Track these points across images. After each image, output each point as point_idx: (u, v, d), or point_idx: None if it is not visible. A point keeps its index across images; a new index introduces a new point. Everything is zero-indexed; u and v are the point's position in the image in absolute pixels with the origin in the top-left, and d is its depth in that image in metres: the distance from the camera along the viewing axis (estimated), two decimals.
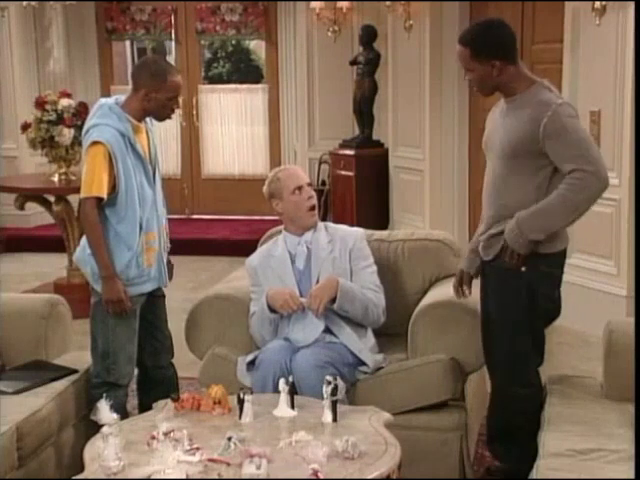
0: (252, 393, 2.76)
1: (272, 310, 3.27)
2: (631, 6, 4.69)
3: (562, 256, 3.05)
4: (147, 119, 3.29)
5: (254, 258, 3.51)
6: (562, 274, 3.09)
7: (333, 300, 3.23)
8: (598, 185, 2.85)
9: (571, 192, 2.83)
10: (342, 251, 3.38)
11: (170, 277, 3.45)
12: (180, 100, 3.22)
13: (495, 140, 3.02)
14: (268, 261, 3.43)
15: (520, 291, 2.97)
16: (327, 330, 3.26)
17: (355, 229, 3.54)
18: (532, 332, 3.04)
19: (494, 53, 2.92)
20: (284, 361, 3.09)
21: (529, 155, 2.90)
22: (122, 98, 3.24)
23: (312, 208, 3.42)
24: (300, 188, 3.39)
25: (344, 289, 3.25)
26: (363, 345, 3.27)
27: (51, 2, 7.63)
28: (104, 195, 3.11)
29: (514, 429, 3.08)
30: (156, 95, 3.16)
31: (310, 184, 3.47)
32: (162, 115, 3.26)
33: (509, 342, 3.04)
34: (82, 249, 3.26)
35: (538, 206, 2.87)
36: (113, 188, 3.12)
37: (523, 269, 2.94)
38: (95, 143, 3.10)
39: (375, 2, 7.15)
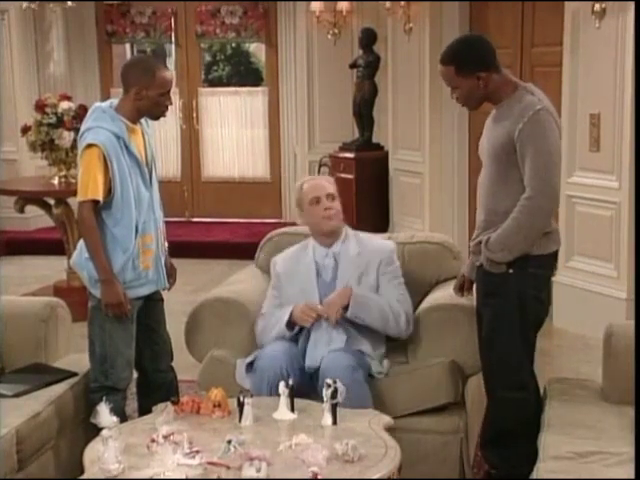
0: (252, 396, 2.76)
1: (290, 326, 3.26)
2: (631, 9, 4.69)
3: (552, 258, 3.06)
4: (143, 121, 3.28)
5: (280, 261, 3.49)
6: (551, 275, 3.12)
7: (347, 308, 3.23)
8: (547, 204, 2.92)
9: (523, 215, 2.91)
10: (370, 265, 3.35)
11: (174, 281, 3.45)
12: (177, 99, 3.21)
13: (484, 146, 3.08)
14: (294, 268, 3.42)
15: (508, 293, 2.98)
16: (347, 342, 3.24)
17: (387, 243, 3.49)
18: (522, 334, 3.04)
19: (478, 65, 2.95)
20: (279, 366, 3.07)
21: (512, 160, 2.93)
22: (116, 102, 3.23)
23: (327, 217, 3.38)
24: (318, 200, 3.38)
25: (357, 296, 3.24)
26: (375, 357, 3.25)
27: (51, 5, 7.63)
28: (100, 197, 3.10)
29: (507, 433, 3.08)
30: (147, 92, 3.15)
31: (331, 195, 3.41)
32: (156, 112, 3.24)
33: (499, 345, 3.04)
34: (79, 253, 3.25)
35: (499, 230, 2.95)
36: (109, 191, 3.12)
37: (510, 271, 2.96)
38: (89, 146, 3.10)
39: (375, 5, 7.15)
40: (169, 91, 3.22)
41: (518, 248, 2.93)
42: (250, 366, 3.24)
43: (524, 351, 3.06)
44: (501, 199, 2.99)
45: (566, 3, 5.21)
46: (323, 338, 3.24)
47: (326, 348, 3.20)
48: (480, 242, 3.02)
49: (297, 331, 3.30)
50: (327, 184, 3.48)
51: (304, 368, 3.19)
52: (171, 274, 3.43)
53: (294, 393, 2.80)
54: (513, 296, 2.98)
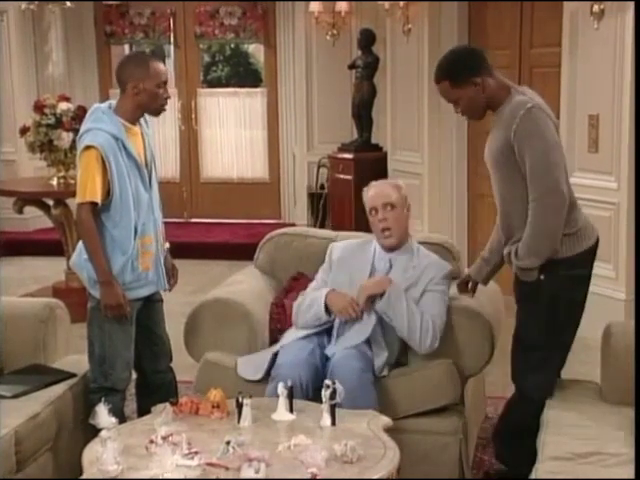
0: (250, 396, 2.75)
1: (327, 311, 3.26)
2: (630, 10, 4.69)
3: (585, 255, 3.02)
4: (142, 122, 3.28)
5: (338, 249, 3.47)
6: (590, 272, 3.08)
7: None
8: (554, 200, 2.89)
9: (534, 217, 2.90)
10: (421, 280, 3.28)
11: (175, 282, 3.45)
12: (176, 100, 3.21)
13: (487, 154, 3.08)
14: (349, 260, 3.40)
15: (541, 297, 2.98)
16: (367, 341, 3.23)
17: (444, 264, 3.37)
18: (559, 336, 3.04)
19: (470, 72, 2.96)
20: (298, 376, 3.02)
21: (512, 162, 2.93)
22: (115, 103, 3.23)
23: (383, 230, 3.32)
24: (375, 210, 3.32)
25: (395, 290, 3.18)
26: (383, 365, 3.23)
27: (50, 6, 7.62)
28: (98, 199, 3.09)
29: (525, 432, 3.06)
30: (144, 85, 3.14)
31: (389, 204, 3.30)
32: (155, 106, 3.22)
33: (531, 345, 3.05)
34: (78, 254, 3.25)
35: (522, 238, 2.94)
36: (108, 192, 3.11)
37: (542, 277, 2.96)
38: (88, 147, 3.09)
39: (374, 6, 7.15)
40: (165, 82, 3.22)
41: (543, 250, 2.92)
42: (276, 356, 3.22)
43: (557, 351, 3.07)
44: (512, 203, 3.00)
45: (565, 4, 5.21)
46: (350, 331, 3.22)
47: (350, 339, 3.19)
48: (509, 253, 3.02)
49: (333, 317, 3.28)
50: (389, 191, 3.35)
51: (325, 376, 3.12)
52: (173, 275, 3.43)
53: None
54: (546, 300, 2.97)
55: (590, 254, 3.06)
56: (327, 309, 3.27)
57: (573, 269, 3.00)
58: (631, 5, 4.68)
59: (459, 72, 2.95)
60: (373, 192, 3.38)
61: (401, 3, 6.62)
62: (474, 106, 3.00)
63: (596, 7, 4.89)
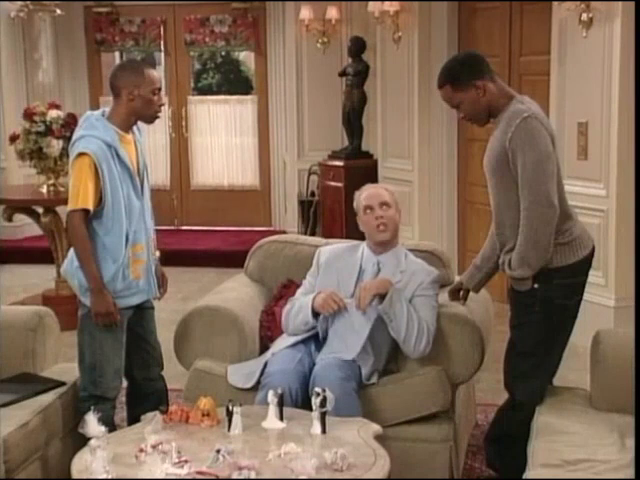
0: (240, 405, 2.75)
1: (314, 314, 3.27)
2: (618, 18, 4.72)
3: (581, 264, 3.04)
4: (135, 130, 3.28)
5: (326, 252, 3.50)
6: (584, 281, 3.09)
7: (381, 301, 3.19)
8: (544, 210, 2.89)
9: (525, 227, 2.91)
10: (409, 285, 3.29)
11: (165, 290, 3.44)
12: (166, 107, 3.21)
13: (485, 160, 3.09)
14: (337, 264, 3.42)
15: (534, 305, 2.99)
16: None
17: (431, 269, 3.40)
18: (552, 343, 3.05)
19: (471, 75, 2.97)
20: (287, 384, 3.02)
21: (506, 170, 2.94)
22: (108, 110, 3.23)
23: (378, 226, 3.35)
24: (371, 208, 3.36)
25: (396, 292, 3.19)
26: (371, 372, 3.24)
27: (40, 13, 7.61)
28: (90, 207, 3.09)
29: (517, 438, 3.06)
30: (139, 91, 3.15)
31: (385, 203, 3.37)
32: (150, 113, 3.22)
33: (524, 351, 3.06)
34: (69, 262, 3.24)
35: (515, 248, 2.96)
36: (100, 200, 3.11)
37: (536, 286, 2.96)
38: (81, 154, 3.09)
39: (364, 13, 7.17)
40: (160, 89, 3.23)
41: (533, 261, 2.92)
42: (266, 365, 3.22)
43: (550, 357, 3.08)
44: (505, 210, 3.01)
45: (553, 13, 5.23)
46: (346, 337, 3.23)
47: (344, 343, 3.19)
48: (504, 262, 3.03)
49: (320, 322, 3.29)
50: (384, 192, 3.44)
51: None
52: (163, 283, 3.43)
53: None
54: (540, 308, 2.98)
55: (585, 263, 3.07)
56: (314, 313, 3.28)
57: (568, 278, 3.01)
58: (619, 13, 4.72)
59: (460, 75, 2.98)
60: (368, 193, 3.44)
61: (391, 11, 6.64)
62: (476, 110, 3.02)
63: (585, 16, 4.91)
